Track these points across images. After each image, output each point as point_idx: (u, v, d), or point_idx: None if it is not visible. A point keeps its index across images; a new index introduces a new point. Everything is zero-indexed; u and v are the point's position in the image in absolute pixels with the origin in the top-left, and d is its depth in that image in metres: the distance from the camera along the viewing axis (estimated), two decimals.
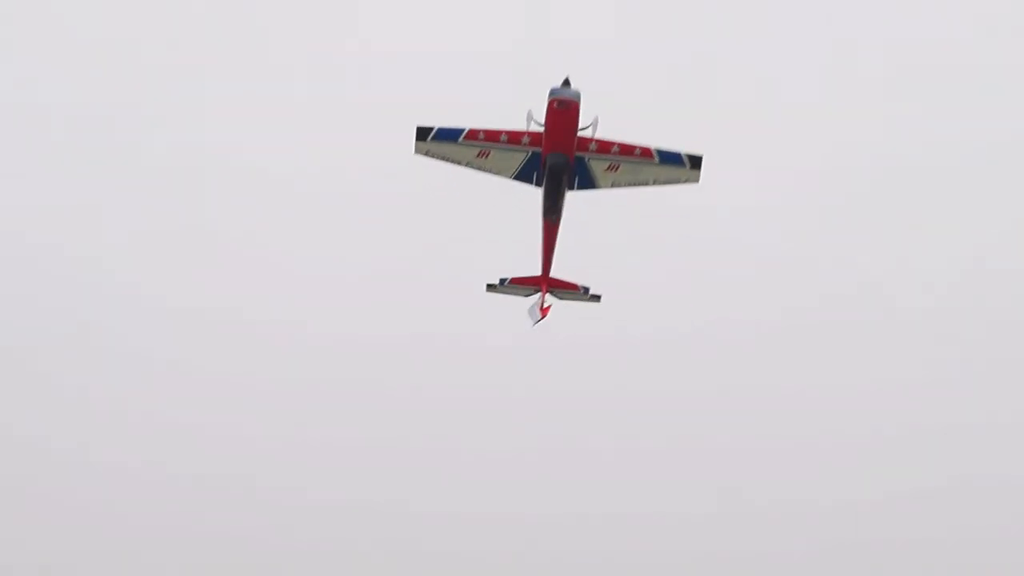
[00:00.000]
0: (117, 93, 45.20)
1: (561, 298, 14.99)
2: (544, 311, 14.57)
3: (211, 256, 44.41)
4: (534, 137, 13.39)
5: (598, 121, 13.79)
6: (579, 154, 13.76)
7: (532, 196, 14.47)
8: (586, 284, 16.14)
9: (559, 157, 13.12)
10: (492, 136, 13.81)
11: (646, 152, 14.27)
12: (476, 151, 13.49)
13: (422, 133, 13.52)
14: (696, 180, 14.99)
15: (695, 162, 14.97)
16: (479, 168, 14.16)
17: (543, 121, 13.17)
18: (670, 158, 14.26)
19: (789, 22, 45.25)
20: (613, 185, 14.30)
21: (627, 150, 14.16)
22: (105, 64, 45.24)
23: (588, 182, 14.19)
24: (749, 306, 43.52)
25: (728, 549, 43.27)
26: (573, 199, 14.76)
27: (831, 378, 44.25)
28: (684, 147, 15.39)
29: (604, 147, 14.28)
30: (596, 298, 16.22)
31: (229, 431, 43.57)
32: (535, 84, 13.73)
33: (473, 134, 13.56)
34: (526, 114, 13.39)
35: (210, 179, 45.24)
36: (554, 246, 14.13)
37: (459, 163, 14.08)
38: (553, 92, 13.38)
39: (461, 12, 41.85)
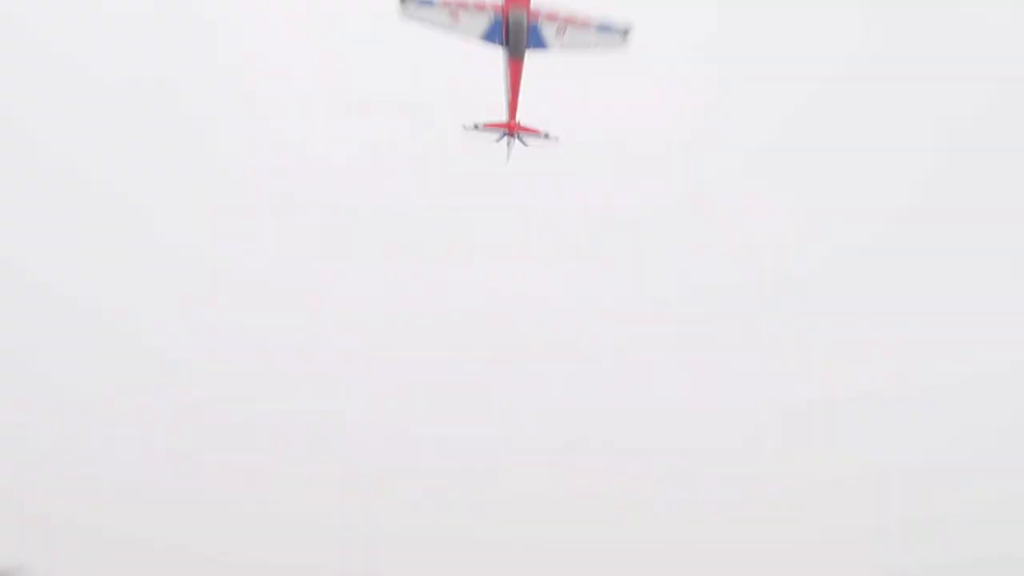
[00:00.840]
0: None
1: (525, 142, 18.37)
2: (512, 127, 17.18)
3: None
4: (495, 4, 15.92)
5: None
6: (533, 22, 17.16)
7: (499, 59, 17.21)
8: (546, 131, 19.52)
9: (519, 12, 15.58)
10: (461, 3, 16.62)
11: (587, 22, 17.50)
12: (448, 13, 16.02)
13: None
14: (626, 45, 18.48)
15: (625, 33, 18.50)
16: (453, 29, 16.80)
17: None
18: (606, 28, 17.52)
19: None
20: (562, 47, 17.36)
21: (572, 20, 17.16)
22: None
23: (540, 43, 16.97)
24: None
25: None
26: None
27: None
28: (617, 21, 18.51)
29: (553, 16, 16.98)
30: (555, 139, 19.41)
31: None
32: None
33: (445, 1, 16.22)
34: None
35: None
36: (519, 88, 16.55)
37: (435, 24, 16.57)
38: None
39: None
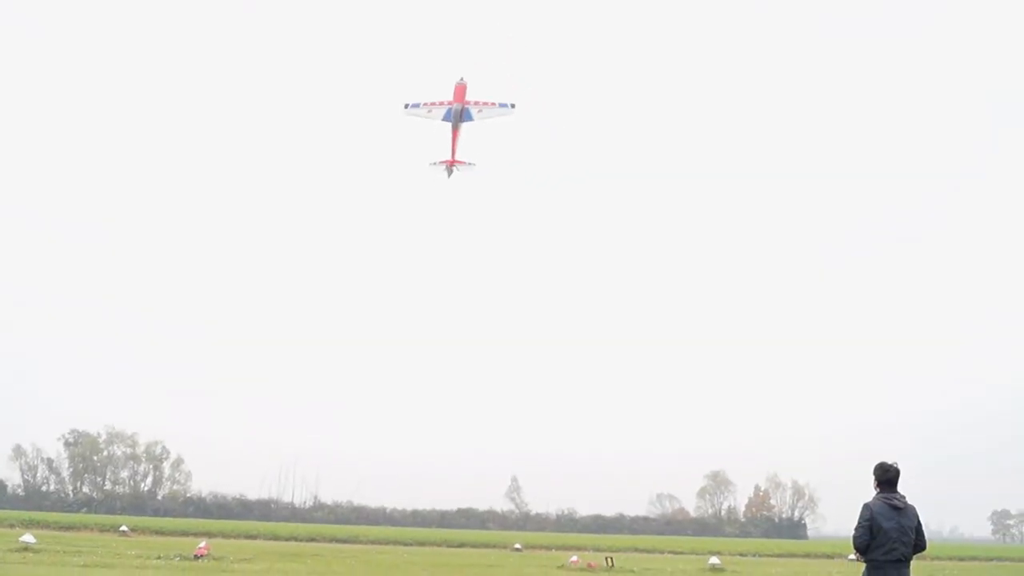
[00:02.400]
0: None
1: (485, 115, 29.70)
2: (452, 163, 29.76)
3: None
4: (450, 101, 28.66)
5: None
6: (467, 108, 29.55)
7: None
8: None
9: (459, 104, 28.74)
10: (430, 104, 29.87)
11: (493, 103, 29.92)
12: (427, 111, 29.48)
13: (406, 105, 29.06)
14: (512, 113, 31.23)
15: (513, 106, 31.27)
16: (428, 116, 29.85)
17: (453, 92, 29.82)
18: (504, 105, 29.75)
19: None
20: (481, 118, 29.53)
21: (486, 103, 29.54)
22: None
23: (470, 117, 29.93)
24: None
25: None
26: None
27: None
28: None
29: (477, 103, 29.21)
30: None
31: None
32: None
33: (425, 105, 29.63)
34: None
35: None
36: (457, 142, 29.20)
37: (420, 115, 30.55)
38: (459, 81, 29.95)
39: None
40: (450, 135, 28.63)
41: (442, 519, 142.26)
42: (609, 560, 44.90)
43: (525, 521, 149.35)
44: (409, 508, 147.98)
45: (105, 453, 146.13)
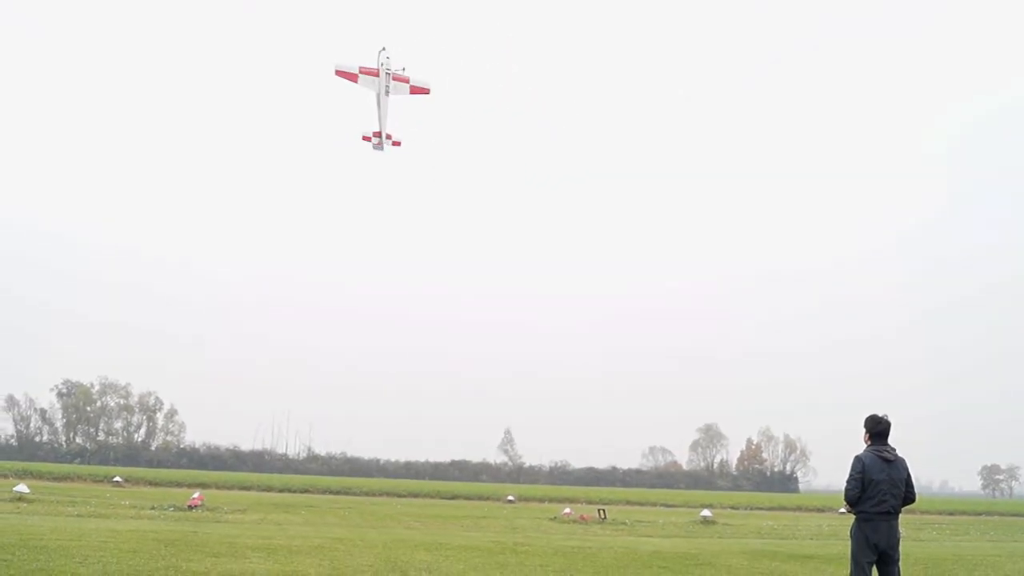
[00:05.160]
0: None
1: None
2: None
3: None
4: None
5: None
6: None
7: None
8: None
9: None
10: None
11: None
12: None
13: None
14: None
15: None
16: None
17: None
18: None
19: None
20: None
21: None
22: None
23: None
24: None
25: None
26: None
27: None
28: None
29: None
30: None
31: None
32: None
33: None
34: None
35: None
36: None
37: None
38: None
39: None
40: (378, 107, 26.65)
41: (435, 471, 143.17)
42: (602, 512, 44.91)
43: (518, 473, 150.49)
44: (403, 460, 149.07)
45: (99, 404, 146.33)
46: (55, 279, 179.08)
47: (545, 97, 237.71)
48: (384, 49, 26.77)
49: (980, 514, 72.30)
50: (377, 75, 27.06)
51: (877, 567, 12.17)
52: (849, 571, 12.30)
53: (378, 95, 27.78)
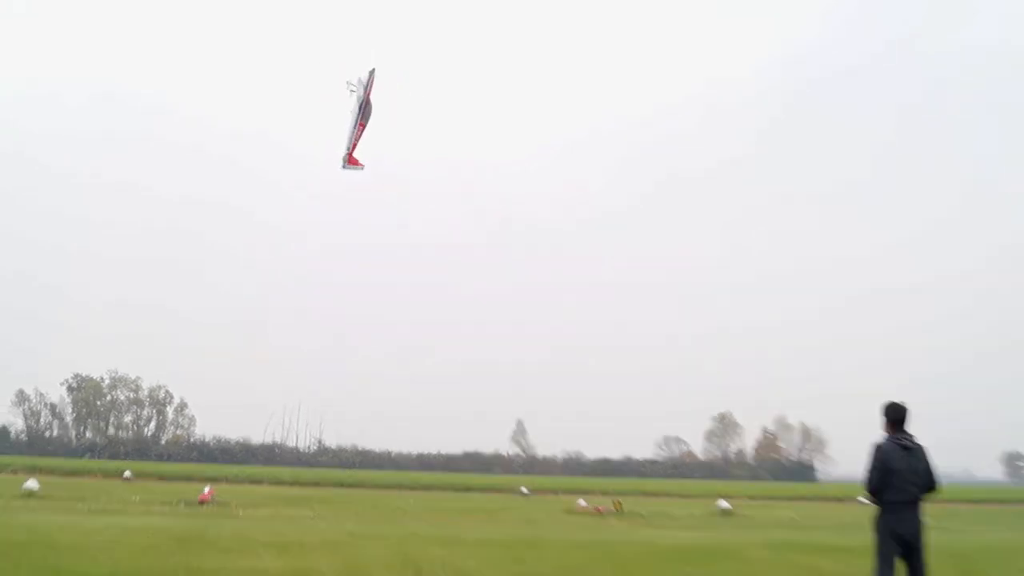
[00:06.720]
0: None
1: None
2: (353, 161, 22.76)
3: None
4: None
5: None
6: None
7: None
8: None
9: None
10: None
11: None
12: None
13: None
14: None
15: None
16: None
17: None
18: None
19: None
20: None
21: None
22: None
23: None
24: None
25: None
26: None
27: None
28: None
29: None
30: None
31: None
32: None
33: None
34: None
35: None
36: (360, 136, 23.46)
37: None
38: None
39: None
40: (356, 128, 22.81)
41: (447, 463, 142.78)
42: (617, 504, 44.45)
43: (531, 465, 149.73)
44: (414, 452, 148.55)
45: (108, 398, 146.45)
46: (69, 261, 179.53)
47: None
48: (373, 71, 23.64)
49: (1005, 502, 71.44)
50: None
51: (903, 559, 11.75)
52: (873, 563, 11.87)
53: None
